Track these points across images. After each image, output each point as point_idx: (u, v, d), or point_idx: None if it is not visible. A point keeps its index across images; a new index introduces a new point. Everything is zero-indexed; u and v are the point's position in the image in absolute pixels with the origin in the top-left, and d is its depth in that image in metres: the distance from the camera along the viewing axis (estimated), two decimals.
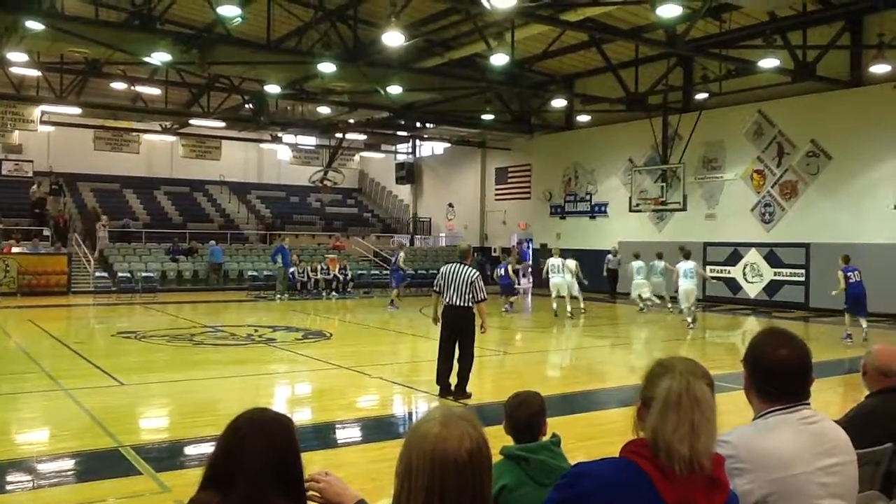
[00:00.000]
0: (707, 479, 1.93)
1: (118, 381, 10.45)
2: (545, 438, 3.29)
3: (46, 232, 28.47)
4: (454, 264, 9.62)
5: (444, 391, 9.42)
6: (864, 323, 15.21)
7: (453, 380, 9.49)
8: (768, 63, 18.40)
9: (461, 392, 9.38)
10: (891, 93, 19.42)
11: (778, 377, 2.49)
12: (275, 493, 2.02)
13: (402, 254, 23.58)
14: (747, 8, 18.30)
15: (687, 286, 17.51)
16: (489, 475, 1.80)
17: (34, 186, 31.09)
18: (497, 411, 3.46)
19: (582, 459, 2.13)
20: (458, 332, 9.43)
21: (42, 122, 27.38)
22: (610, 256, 25.58)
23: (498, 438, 3.27)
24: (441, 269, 9.74)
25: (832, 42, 19.94)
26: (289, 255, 26.24)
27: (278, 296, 25.07)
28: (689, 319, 17.58)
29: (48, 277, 25.22)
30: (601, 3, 17.10)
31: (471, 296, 9.31)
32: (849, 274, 15.23)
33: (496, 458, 3.16)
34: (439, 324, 9.77)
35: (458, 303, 9.34)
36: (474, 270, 9.53)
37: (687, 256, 18.05)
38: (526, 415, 3.31)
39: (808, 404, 2.51)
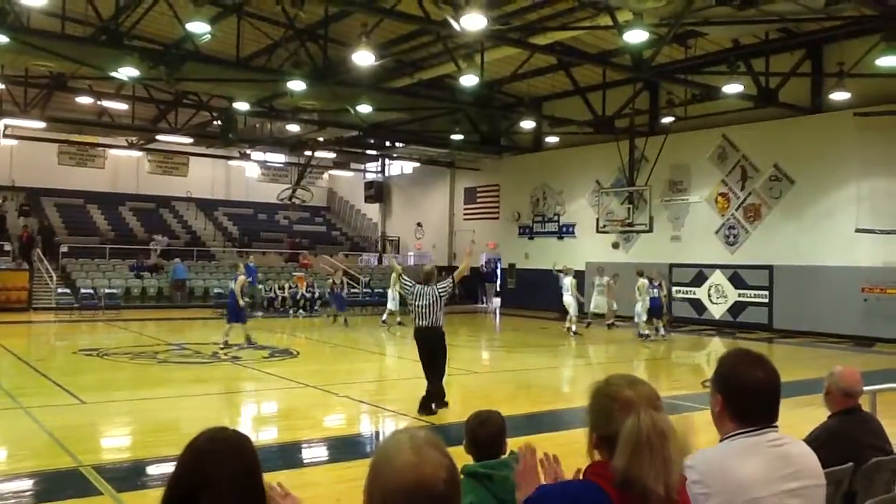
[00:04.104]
0: (672, 503, 1.95)
1: (79, 399, 10.27)
2: (504, 457, 3.30)
3: (8, 247, 27.97)
4: (422, 286, 9.77)
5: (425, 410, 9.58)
6: (659, 324, 19.65)
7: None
8: (732, 89, 18.75)
9: (438, 403, 9.67)
10: (851, 120, 19.86)
11: (753, 399, 2.49)
12: None
13: (337, 280, 23.16)
14: (712, 35, 18.67)
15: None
16: (460, 500, 1.79)
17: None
18: (461, 430, 3.46)
19: (546, 481, 2.14)
20: (432, 352, 9.72)
21: (5, 136, 27.01)
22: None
23: (459, 458, 3.28)
24: (415, 286, 9.88)
25: (794, 69, 20.39)
26: (255, 273, 26.06)
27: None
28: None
29: (8, 293, 24.74)
30: (569, 28, 17.34)
31: (439, 315, 9.63)
32: (653, 290, 19.36)
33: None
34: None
35: (424, 324, 9.64)
36: (436, 289, 9.70)
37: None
38: (487, 434, 3.32)
39: (776, 427, 2.52)
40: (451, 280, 10.07)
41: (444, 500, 1.66)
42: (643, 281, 19.85)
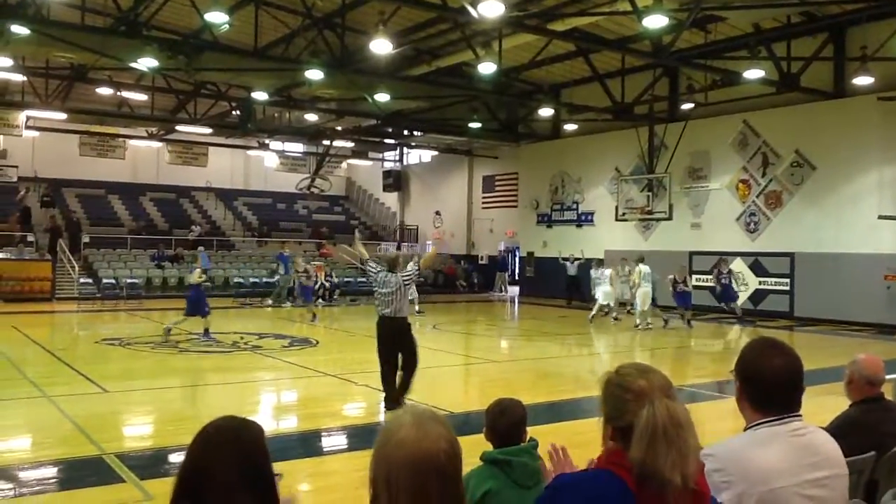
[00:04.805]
0: (689, 491, 1.93)
1: (102, 388, 10.38)
2: (524, 444, 3.30)
3: (31, 238, 28.29)
4: (386, 273, 9.16)
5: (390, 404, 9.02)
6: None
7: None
8: (753, 74, 18.55)
9: (394, 402, 8.92)
10: (874, 104, 19.60)
11: (772, 387, 2.48)
12: (250, 499, 2.01)
13: (299, 268, 22.07)
14: (732, 19, 18.47)
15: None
16: (461, 474, 1.80)
17: (22, 192, 31.13)
18: (481, 418, 3.45)
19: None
20: (396, 346, 9.13)
21: (27, 127, 27.26)
22: (568, 264, 25.78)
23: (480, 445, 3.29)
24: (379, 273, 9.23)
25: (816, 54, 20.15)
26: (288, 263, 26.41)
27: (271, 301, 25.19)
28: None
29: (32, 284, 25.03)
30: (588, 14, 17.22)
31: (402, 304, 9.07)
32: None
33: (478, 463, 3.18)
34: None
35: (387, 313, 9.07)
36: (399, 277, 9.07)
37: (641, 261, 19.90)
38: (508, 423, 3.31)
39: (800, 416, 2.50)
40: (416, 267, 9.41)
41: (446, 470, 1.71)
42: (643, 268, 19.32)
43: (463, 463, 1.82)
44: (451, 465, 1.72)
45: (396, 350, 9.12)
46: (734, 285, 20.92)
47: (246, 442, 2.08)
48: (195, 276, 16.04)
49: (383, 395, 9.21)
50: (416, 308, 22.21)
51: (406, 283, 9.07)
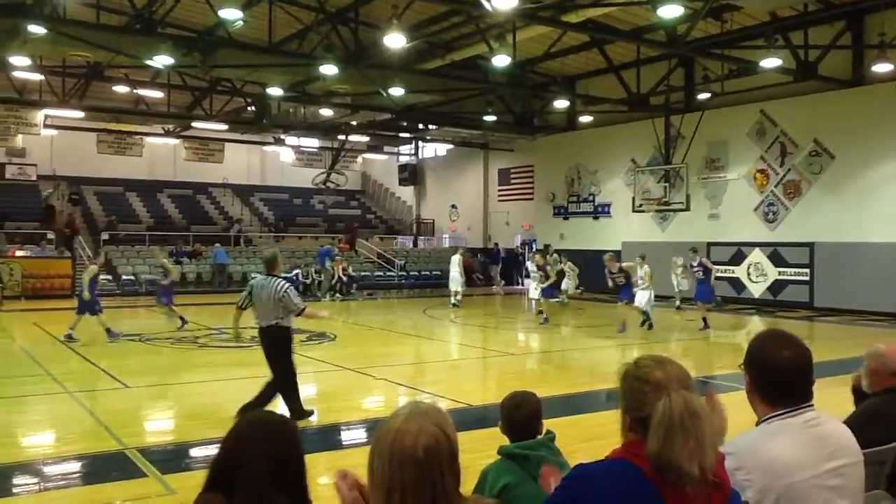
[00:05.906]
0: (709, 483, 1.93)
1: (123, 383, 10.48)
2: (540, 437, 3.31)
3: (51, 235, 28.58)
4: (262, 277, 8.38)
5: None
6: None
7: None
8: (770, 63, 18.37)
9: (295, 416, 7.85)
10: (893, 92, 19.37)
11: (782, 379, 2.47)
12: (277, 494, 2.04)
13: (159, 252, 21.52)
14: (748, 8, 18.30)
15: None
16: (451, 471, 1.81)
17: (49, 190, 31.62)
18: (497, 412, 3.46)
19: (584, 460, 2.14)
20: (268, 357, 8.35)
21: (45, 126, 27.48)
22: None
23: (497, 439, 3.29)
24: (251, 283, 8.55)
25: (833, 42, 19.94)
26: (332, 256, 27.38)
27: (326, 297, 25.84)
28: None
29: (52, 281, 25.27)
30: (602, 4, 17.10)
31: (281, 312, 8.14)
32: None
33: (495, 457, 3.19)
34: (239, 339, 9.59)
35: (264, 323, 8.22)
36: (282, 283, 8.18)
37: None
38: (523, 417, 3.32)
39: (812, 406, 2.49)
40: (289, 282, 8.35)
41: (425, 464, 1.75)
42: (647, 269, 17.41)
43: (457, 455, 1.83)
44: (429, 458, 1.76)
45: (270, 362, 8.38)
46: (709, 281, 17.54)
47: (278, 438, 2.12)
48: (87, 275, 14.96)
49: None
50: (459, 298, 23.16)
51: (282, 295, 8.04)
